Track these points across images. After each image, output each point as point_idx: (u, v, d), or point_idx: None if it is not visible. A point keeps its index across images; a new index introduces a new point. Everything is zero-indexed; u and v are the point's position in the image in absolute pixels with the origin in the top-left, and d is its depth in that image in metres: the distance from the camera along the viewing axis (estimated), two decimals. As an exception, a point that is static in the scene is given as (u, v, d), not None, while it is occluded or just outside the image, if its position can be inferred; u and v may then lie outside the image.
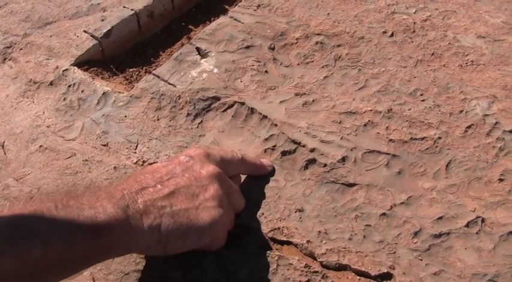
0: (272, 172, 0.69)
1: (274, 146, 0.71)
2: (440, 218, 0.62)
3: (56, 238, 0.46)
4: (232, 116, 0.76)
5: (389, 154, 0.69)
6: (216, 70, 0.82)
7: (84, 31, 0.93)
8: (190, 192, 0.56)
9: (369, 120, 0.72)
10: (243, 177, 0.68)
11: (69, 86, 0.84)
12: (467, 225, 0.61)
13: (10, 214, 0.47)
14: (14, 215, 0.46)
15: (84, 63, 0.89)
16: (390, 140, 0.70)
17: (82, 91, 0.83)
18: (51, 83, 0.86)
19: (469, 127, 0.71)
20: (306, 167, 0.68)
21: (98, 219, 0.49)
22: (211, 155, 0.61)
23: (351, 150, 0.69)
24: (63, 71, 0.87)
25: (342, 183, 0.66)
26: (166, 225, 0.53)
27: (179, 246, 0.55)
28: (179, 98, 0.78)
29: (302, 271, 0.59)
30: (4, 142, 0.79)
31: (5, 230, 0.45)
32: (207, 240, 0.56)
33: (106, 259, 0.53)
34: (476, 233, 0.61)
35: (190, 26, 1.01)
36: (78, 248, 0.48)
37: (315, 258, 0.61)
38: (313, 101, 0.76)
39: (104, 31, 0.91)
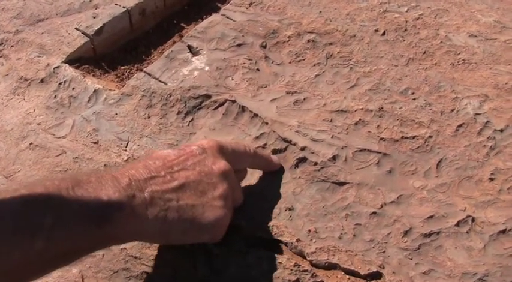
0: (281, 170, 0.69)
1: (265, 144, 0.71)
2: (431, 217, 0.62)
3: (59, 231, 0.46)
4: (223, 114, 0.76)
5: (380, 153, 0.68)
6: (207, 68, 0.82)
7: (76, 28, 0.92)
8: (199, 188, 0.56)
9: (360, 119, 0.72)
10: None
11: (60, 84, 0.84)
12: (457, 225, 0.61)
13: (17, 197, 0.46)
14: (21, 201, 0.46)
15: (75, 60, 0.89)
16: (381, 138, 0.70)
17: (73, 88, 0.83)
18: (42, 80, 0.85)
19: (460, 126, 0.71)
20: (296, 166, 0.68)
21: (102, 209, 0.49)
22: (224, 147, 0.61)
23: (342, 148, 0.69)
24: (54, 68, 0.86)
25: (333, 182, 0.66)
26: (171, 219, 0.53)
27: (180, 239, 0.56)
28: (170, 96, 0.78)
29: (291, 270, 0.58)
30: (-6, 140, 0.79)
31: (10, 219, 0.45)
32: (207, 237, 0.57)
33: (109, 246, 0.53)
34: (467, 232, 0.61)
35: (182, 24, 1.01)
36: (82, 239, 0.48)
37: (304, 257, 0.61)
38: (304, 99, 0.76)
39: (96, 28, 0.91)
